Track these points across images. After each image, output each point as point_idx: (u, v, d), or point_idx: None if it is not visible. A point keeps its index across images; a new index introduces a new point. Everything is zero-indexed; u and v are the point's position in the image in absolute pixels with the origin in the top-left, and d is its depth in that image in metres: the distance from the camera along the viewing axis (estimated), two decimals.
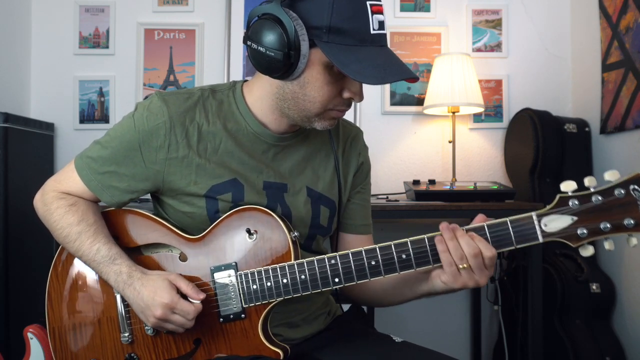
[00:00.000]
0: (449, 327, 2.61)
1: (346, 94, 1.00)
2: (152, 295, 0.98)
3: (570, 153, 2.33)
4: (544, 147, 2.28)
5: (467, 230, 0.94)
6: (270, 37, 0.95)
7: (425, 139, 2.58)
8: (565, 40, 2.61)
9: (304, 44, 0.94)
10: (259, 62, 0.99)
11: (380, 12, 0.96)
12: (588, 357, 2.08)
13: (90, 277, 1.11)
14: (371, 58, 0.94)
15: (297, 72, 0.97)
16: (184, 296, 1.00)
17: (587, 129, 2.39)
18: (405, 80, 1.00)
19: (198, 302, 0.99)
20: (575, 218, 0.89)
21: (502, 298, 2.41)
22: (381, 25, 0.96)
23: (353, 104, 1.12)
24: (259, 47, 0.96)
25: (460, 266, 0.93)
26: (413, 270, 0.97)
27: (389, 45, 1.01)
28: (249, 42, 0.99)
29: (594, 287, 2.16)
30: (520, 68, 2.60)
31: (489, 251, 0.92)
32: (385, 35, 0.98)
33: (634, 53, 2.09)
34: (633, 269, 2.12)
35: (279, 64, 0.96)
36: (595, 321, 2.17)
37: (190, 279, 1.04)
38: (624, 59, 2.16)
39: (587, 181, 0.89)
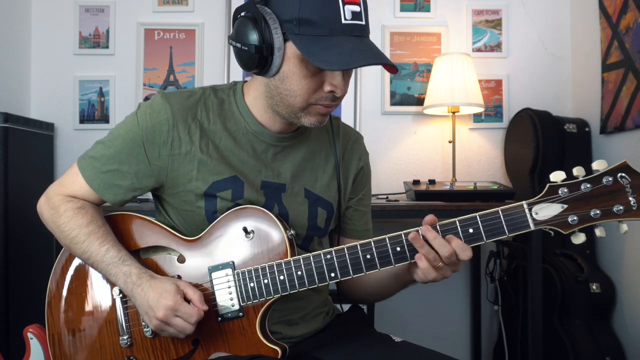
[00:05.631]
0: (449, 327, 2.61)
1: (327, 87, 1.00)
2: (157, 297, 0.99)
3: (570, 153, 2.33)
4: (544, 147, 2.28)
5: (441, 228, 0.96)
6: (245, 34, 0.99)
7: (425, 139, 2.58)
8: (565, 40, 2.61)
9: (277, 38, 0.97)
10: (239, 59, 1.03)
11: (355, 3, 0.96)
12: (588, 357, 2.07)
13: (90, 282, 1.12)
14: (339, 46, 0.94)
15: (275, 67, 0.99)
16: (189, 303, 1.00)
17: (587, 129, 2.39)
18: (384, 67, 1.00)
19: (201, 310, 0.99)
20: (565, 206, 0.91)
21: (502, 298, 2.41)
22: (356, 15, 0.96)
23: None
24: (237, 44, 1.01)
25: (437, 265, 0.96)
26: (408, 262, 0.98)
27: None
28: (230, 41, 1.03)
29: (594, 287, 2.16)
30: (520, 68, 2.60)
31: (464, 254, 0.94)
32: (362, 26, 0.98)
33: (634, 53, 2.09)
34: (633, 269, 2.12)
35: (255, 59, 0.99)
36: (595, 321, 2.17)
37: (189, 280, 1.04)
38: (624, 59, 2.16)
39: (576, 171, 0.91)
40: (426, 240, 0.95)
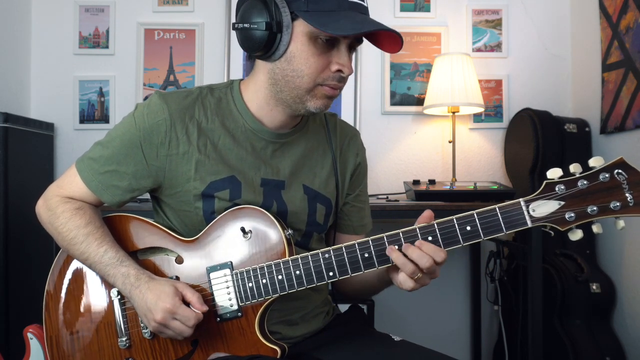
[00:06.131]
0: (449, 327, 2.60)
1: (334, 67, 1.02)
2: (155, 299, 0.99)
3: (570, 153, 2.32)
4: (544, 147, 2.28)
5: (420, 231, 0.96)
6: (253, 14, 1.00)
7: (425, 139, 2.58)
8: (565, 40, 2.61)
9: (286, 17, 0.99)
10: (245, 42, 1.03)
11: None
12: (588, 357, 2.07)
13: (87, 284, 1.11)
14: (349, 17, 0.98)
15: (283, 46, 1.01)
16: (188, 306, 1.00)
17: (587, 129, 2.39)
18: (386, 50, 1.04)
19: (200, 312, 0.99)
20: (562, 202, 0.91)
21: (502, 298, 2.41)
22: None
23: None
24: (244, 25, 1.01)
25: (415, 277, 0.95)
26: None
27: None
28: (236, 25, 1.04)
29: (594, 287, 2.16)
30: (520, 68, 2.60)
31: (439, 256, 0.94)
32: (365, 6, 1.03)
33: (634, 53, 2.09)
34: (633, 269, 2.12)
35: (263, 38, 1.00)
36: (595, 321, 2.17)
37: (187, 281, 1.04)
38: (624, 59, 2.15)
39: (573, 167, 0.91)
40: (405, 255, 0.95)
